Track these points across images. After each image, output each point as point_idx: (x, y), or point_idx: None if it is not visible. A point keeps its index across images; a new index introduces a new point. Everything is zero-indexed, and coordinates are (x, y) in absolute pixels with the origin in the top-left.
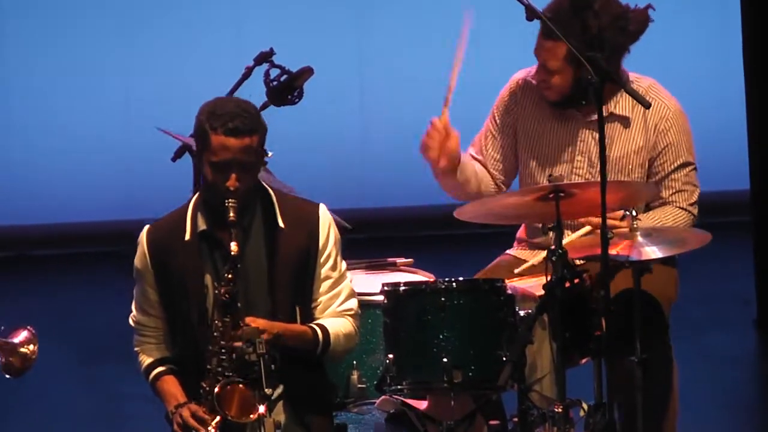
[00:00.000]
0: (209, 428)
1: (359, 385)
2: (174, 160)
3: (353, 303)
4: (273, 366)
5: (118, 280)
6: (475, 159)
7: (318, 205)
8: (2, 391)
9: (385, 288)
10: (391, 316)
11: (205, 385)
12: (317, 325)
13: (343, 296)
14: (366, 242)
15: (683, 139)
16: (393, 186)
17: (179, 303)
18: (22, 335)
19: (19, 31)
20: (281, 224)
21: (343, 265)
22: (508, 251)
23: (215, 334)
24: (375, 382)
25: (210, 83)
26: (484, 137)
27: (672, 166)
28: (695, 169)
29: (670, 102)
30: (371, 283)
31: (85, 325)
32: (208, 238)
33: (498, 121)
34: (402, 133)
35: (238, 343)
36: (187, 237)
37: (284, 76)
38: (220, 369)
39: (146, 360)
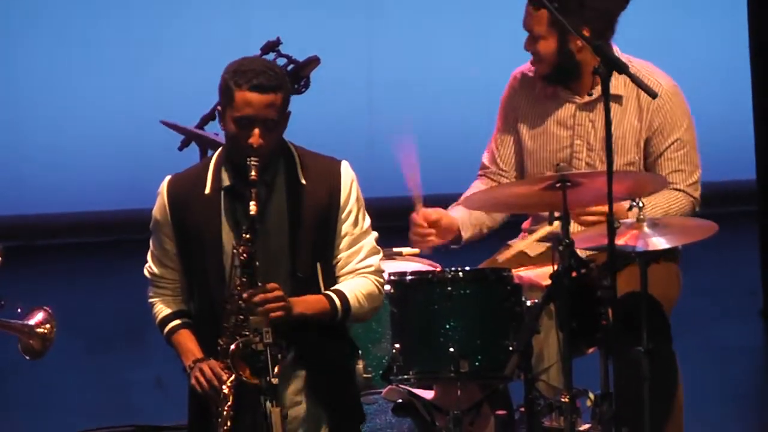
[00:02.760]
0: (224, 386)
1: (365, 375)
2: (181, 149)
3: (374, 260)
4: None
5: (126, 269)
6: (484, 170)
7: (340, 161)
8: (11, 380)
9: (392, 277)
10: (398, 306)
11: (222, 343)
12: (334, 291)
13: (364, 253)
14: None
15: (678, 116)
16: (400, 175)
17: (196, 256)
18: (39, 316)
19: (28, 26)
20: (303, 181)
21: (366, 222)
22: (509, 242)
23: (233, 292)
24: (381, 372)
25: (217, 73)
26: (495, 139)
27: (666, 143)
28: (694, 147)
29: (663, 79)
30: None
31: (92, 314)
32: (231, 193)
33: (503, 121)
34: (413, 124)
35: (257, 298)
36: (207, 191)
37: (291, 66)
38: (237, 327)
39: (162, 312)
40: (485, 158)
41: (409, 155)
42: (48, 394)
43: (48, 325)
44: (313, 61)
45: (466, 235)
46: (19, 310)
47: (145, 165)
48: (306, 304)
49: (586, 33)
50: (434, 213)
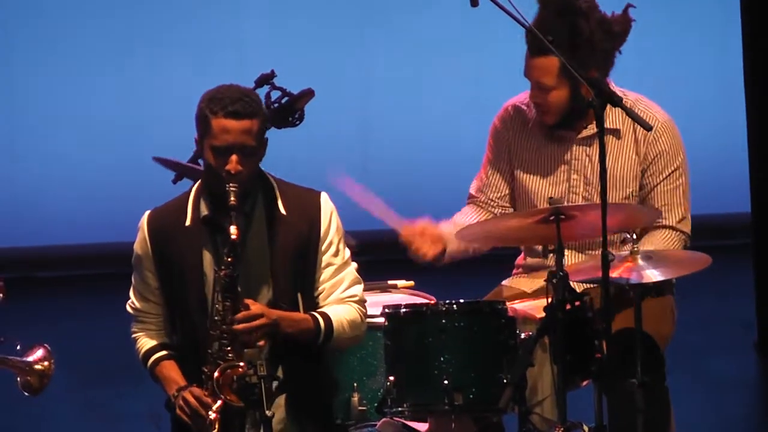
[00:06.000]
0: (210, 412)
1: (360, 408)
2: (175, 182)
3: (357, 289)
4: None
5: (121, 301)
6: (472, 199)
7: (320, 193)
8: (5, 413)
9: (386, 310)
10: (392, 339)
11: (206, 370)
12: (319, 313)
13: (347, 283)
14: (367, 264)
15: (674, 150)
16: (394, 208)
17: (179, 288)
18: (38, 353)
19: (26, 56)
20: (283, 211)
21: (347, 252)
22: (504, 282)
23: (216, 318)
24: (376, 405)
25: None
26: (483, 170)
27: (661, 176)
28: (686, 182)
29: (659, 113)
30: (372, 305)
31: (87, 347)
32: (210, 223)
33: (494, 151)
34: (404, 155)
35: (239, 327)
36: (188, 222)
37: (285, 99)
38: (221, 353)
39: (145, 346)
40: (473, 188)
41: (359, 191)
42: (44, 427)
43: (46, 363)
44: (307, 94)
45: (450, 247)
46: (18, 347)
47: (143, 197)
48: (291, 320)
49: (594, 74)
50: (419, 225)
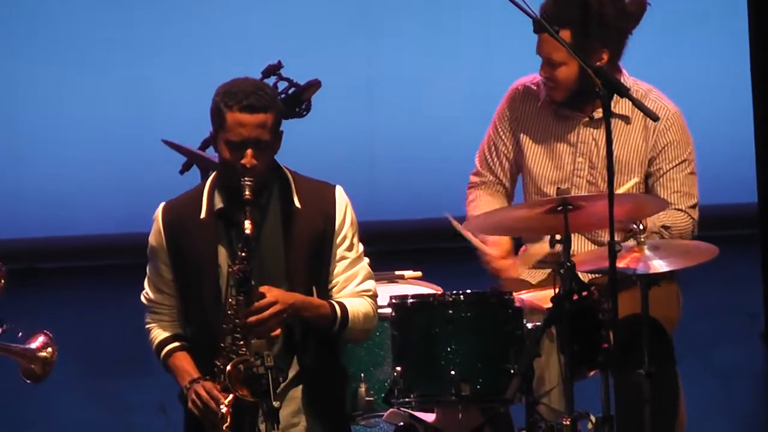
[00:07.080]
0: (222, 406)
1: (367, 398)
2: (182, 172)
3: (371, 284)
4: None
5: (127, 293)
6: (477, 174)
7: (335, 186)
8: (12, 404)
9: (393, 301)
10: (399, 329)
11: (218, 363)
12: (336, 302)
13: (361, 277)
14: (374, 255)
15: (682, 140)
16: (402, 199)
17: (193, 281)
18: (40, 340)
19: (29, 48)
20: (297, 204)
21: (361, 247)
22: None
23: (229, 312)
24: (383, 395)
25: None
26: (486, 147)
27: (671, 165)
28: (694, 173)
29: (669, 104)
30: (379, 295)
31: (93, 338)
32: (224, 216)
33: (500, 129)
34: (411, 146)
35: (252, 318)
36: (203, 215)
37: (292, 89)
38: (234, 347)
39: (158, 337)
40: (478, 163)
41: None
42: (50, 418)
43: (49, 349)
44: (314, 85)
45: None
46: (20, 334)
47: (149, 189)
48: (309, 304)
49: (605, 55)
50: (502, 250)
